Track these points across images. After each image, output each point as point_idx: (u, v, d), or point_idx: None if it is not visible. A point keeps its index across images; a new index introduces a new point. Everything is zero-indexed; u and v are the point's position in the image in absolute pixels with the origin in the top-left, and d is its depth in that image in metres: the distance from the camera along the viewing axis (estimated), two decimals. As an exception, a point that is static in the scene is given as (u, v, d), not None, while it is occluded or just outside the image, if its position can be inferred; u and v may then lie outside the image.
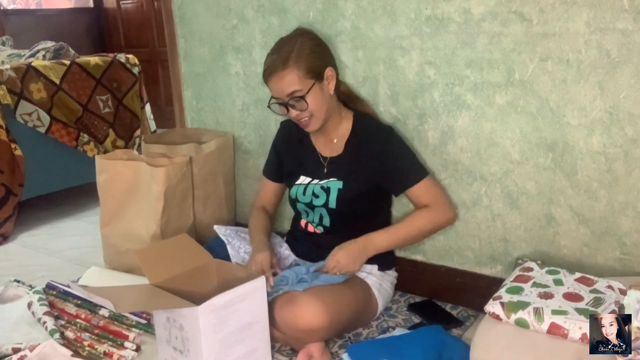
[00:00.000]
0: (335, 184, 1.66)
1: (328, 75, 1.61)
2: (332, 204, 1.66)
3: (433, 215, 1.62)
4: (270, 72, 1.57)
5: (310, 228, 1.75)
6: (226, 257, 1.71)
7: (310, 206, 1.71)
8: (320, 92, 1.59)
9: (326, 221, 1.70)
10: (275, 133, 1.89)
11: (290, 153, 1.80)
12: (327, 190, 1.67)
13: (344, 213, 1.67)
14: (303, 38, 1.60)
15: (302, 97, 1.56)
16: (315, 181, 1.71)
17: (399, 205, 1.85)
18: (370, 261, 1.67)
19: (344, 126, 1.70)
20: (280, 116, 1.86)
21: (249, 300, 1.41)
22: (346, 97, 1.74)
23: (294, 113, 1.60)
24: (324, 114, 1.62)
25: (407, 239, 1.65)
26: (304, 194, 1.71)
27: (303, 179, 1.74)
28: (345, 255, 1.59)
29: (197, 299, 1.36)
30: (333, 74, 1.62)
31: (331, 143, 1.71)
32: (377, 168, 1.64)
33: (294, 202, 1.76)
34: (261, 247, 1.66)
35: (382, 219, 1.78)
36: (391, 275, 1.76)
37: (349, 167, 1.67)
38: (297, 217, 1.82)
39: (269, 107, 1.65)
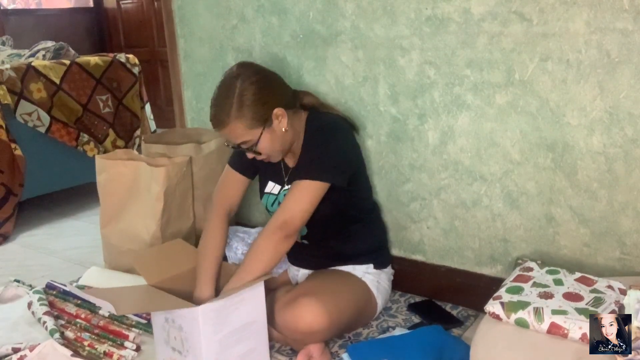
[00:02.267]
0: None
1: (277, 115, 1.50)
2: None
3: (270, 232, 1.47)
4: (215, 125, 1.50)
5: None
6: (225, 257, 1.71)
7: None
8: (272, 135, 1.50)
9: (302, 229, 1.63)
10: None
11: None
12: None
13: (313, 217, 1.54)
14: (243, 83, 1.46)
15: (251, 148, 1.50)
16: (283, 190, 1.66)
17: (398, 204, 1.85)
18: (365, 261, 1.67)
19: (302, 133, 1.61)
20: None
21: (248, 301, 1.42)
22: (312, 107, 1.65)
23: (250, 156, 1.55)
24: (280, 150, 1.55)
25: (256, 266, 1.46)
26: (272, 205, 1.67)
27: (271, 186, 1.68)
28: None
29: (195, 300, 1.36)
30: (282, 112, 1.50)
31: (295, 156, 1.64)
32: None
33: (267, 211, 1.72)
34: (205, 291, 1.53)
35: (362, 217, 1.70)
36: (388, 272, 1.76)
37: (303, 170, 1.57)
38: None
39: (227, 146, 1.59)
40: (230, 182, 1.70)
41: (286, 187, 1.65)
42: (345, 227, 1.66)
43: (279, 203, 1.63)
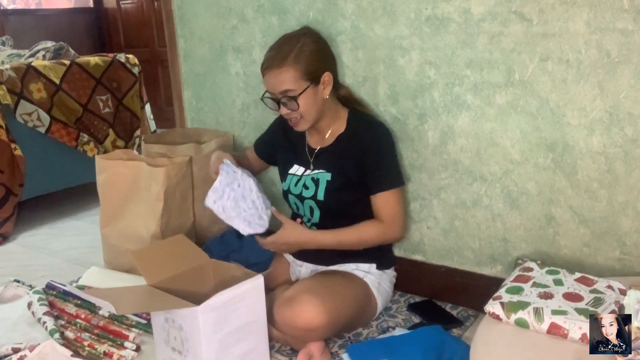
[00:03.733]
0: (324, 176, 1.66)
1: (325, 80, 1.59)
2: (320, 195, 1.65)
3: (381, 232, 1.63)
4: (267, 66, 1.57)
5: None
6: (225, 257, 1.71)
7: (300, 198, 1.70)
8: (314, 96, 1.58)
9: (316, 215, 1.69)
10: (276, 117, 1.85)
11: (285, 139, 1.80)
12: (316, 182, 1.67)
13: (332, 206, 1.65)
14: (307, 39, 1.59)
15: (294, 98, 1.56)
16: (307, 172, 1.70)
17: (399, 205, 1.85)
18: (368, 260, 1.68)
19: (338, 124, 1.68)
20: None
21: (247, 300, 1.42)
22: (346, 100, 1.73)
23: (284, 111, 1.60)
24: (313, 116, 1.61)
25: (350, 245, 1.65)
26: (295, 185, 1.71)
27: (296, 169, 1.73)
28: (288, 243, 1.64)
29: (194, 299, 1.36)
30: (330, 79, 1.61)
31: (323, 139, 1.70)
32: (362, 164, 1.62)
33: (286, 193, 1.75)
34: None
35: (373, 215, 1.74)
36: (390, 274, 1.76)
37: (337, 159, 1.66)
38: (293, 217, 1.80)
39: (262, 99, 1.66)
40: (251, 153, 1.92)
41: (313, 170, 1.69)
42: (357, 222, 1.67)
43: (304, 185, 1.69)
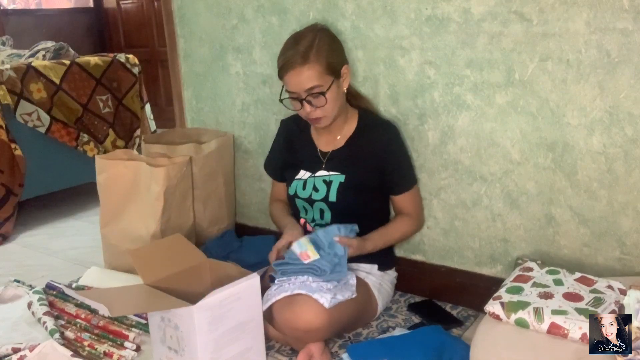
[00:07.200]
0: (337, 178, 1.67)
1: (344, 72, 1.63)
2: (333, 197, 1.66)
3: (415, 226, 1.75)
4: (289, 66, 1.55)
5: (309, 228, 1.74)
6: (224, 257, 1.71)
7: (310, 201, 1.70)
8: (337, 90, 1.61)
9: (327, 217, 1.69)
10: (276, 133, 1.89)
11: (291, 148, 1.81)
12: (328, 184, 1.68)
13: (344, 207, 1.66)
14: (321, 34, 1.60)
15: (322, 94, 1.56)
16: (317, 174, 1.71)
17: (399, 205, 1.85)
18: (370, 261, 1.68)
19: (349, 124, 1.71)
20: (279, 116, 1.86)
21: (243, 299, 1.41)
22: (351, 96, 1.74)
23: (308, 109, 1.59)
24: (337, 111, 1.63)
25: (391, 242, 1.72)
26: (303, 188, 1.71)
27: (303, 174, 1.74)
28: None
29: (191, 299, 1.36)
30: (349, 71, 1.65)
31: (334, 140, 1.72)
32: (380, 166, 1.66)
33: (292, 198, 1.76)
34: (293, 226, 1.68)
35: (382, 218, 1.77)
36: (391, 275, 1.77)
37: (350, 160, 1.68)
38: (296, 216, 1.81)
39: (281, 101, 1.65)
40: (275, 187, 1.93)
41: (324, 172, 1.70)
42: (366, 223, 1.67)
43: (314, 187, 1.70)
